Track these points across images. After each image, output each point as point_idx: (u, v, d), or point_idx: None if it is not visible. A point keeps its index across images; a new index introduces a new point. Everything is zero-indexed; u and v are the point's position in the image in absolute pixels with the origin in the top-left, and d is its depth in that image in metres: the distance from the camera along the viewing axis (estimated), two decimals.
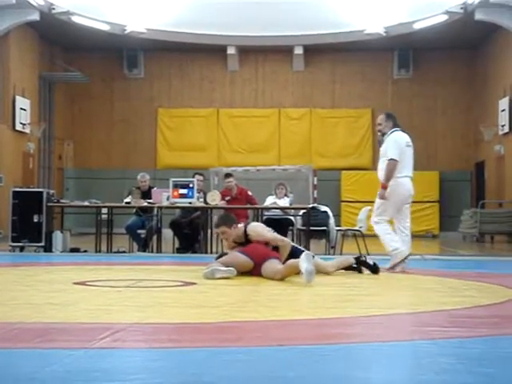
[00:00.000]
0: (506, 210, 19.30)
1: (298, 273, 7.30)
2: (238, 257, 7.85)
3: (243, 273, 7.84)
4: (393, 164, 8.82)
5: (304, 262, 7.13)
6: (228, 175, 13.53)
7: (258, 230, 8.12)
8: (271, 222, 13.06)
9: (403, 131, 9.25)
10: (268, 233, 8.11)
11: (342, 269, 8.45)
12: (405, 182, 9.01)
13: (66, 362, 3.45)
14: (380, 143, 9.19)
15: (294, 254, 7.86)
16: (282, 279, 7.39)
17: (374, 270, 8.33)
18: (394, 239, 8.93)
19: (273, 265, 7.62)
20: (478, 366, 3.45)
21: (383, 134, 9.07)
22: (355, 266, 8.41)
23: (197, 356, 3.66)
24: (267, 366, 3.43)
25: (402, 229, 9.05)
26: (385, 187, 8.91)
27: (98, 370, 3.25)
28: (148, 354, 3.80)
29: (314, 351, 3.81)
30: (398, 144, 8.90)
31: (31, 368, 3.29)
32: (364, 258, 8.44)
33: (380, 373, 3.37)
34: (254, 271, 7.77)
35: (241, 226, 8.22)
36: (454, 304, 5.71)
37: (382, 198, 8.95)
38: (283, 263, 7.66)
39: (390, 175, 8.86)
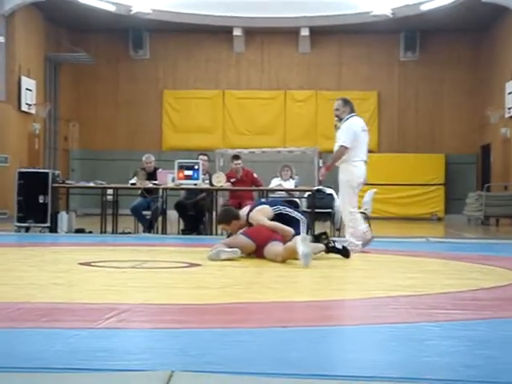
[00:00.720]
0: (511, 193, 19.26)
1: (297, 255, 7.30)
2: (240, 239, 7.90)
3: (248, 254, 7.88)
4: (343, 150, 9.03)
5: (300, 244, 7.14)
6: (236, 157, 13.51)
7: (258, 218, 8.08)
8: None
9: (359, 116, 9.39)
10: (267, 221, 8.05)
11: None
12: (360, 165, 9.19)
13: (70, 341, 3.46)
14: (336, 128, 9.32)
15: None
16: (282, 261, 7.40)
17: (345, 254, 8.06)
18: (359, 236, 9.04)
19: (274, 247, 7.65)
20: (481, 349, 3.45)
21: (340, 120, 9.24)
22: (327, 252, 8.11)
23: (201, 337, 3.67)
24: (271, 347, 3.45)
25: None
26: (327, 169, 9.24)
27: (103, 350, 3.27)
28: (152, 334, 3.82)
29: (317, 332, 3.82)
30: (352, 130, 9.07)
31: (36, 347, 3.31)
32: (332, 244, 8.13)
33: (383, 354, 3.38)
34: (257, 253, 7.80)
35: (244, 212, 8.24)
36: (458, 286, 5.71)
37: (320, 176, 9.35)
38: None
39: (337, 160, 9.17)
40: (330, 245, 8.09)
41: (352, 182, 9.10)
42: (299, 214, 8.47)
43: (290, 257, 7.43)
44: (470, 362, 3.18)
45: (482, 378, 2.88)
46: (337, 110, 9.24)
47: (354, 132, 9.05)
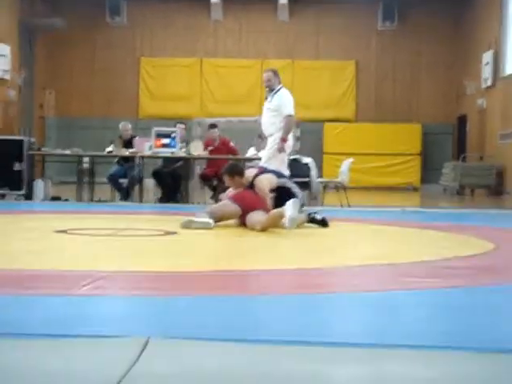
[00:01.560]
0: (486, 164, 19.40)
1: (279, 224, 7.31)
2: (226, 205, 7.88)
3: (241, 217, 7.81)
4: (292, 119, 9.43)
5: (290, 208, 7.16)
6: (213, 126, 13.50)
7: (263, 184, 8.02)
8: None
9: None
10: (268, 194, 7.98)
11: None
12: (291, 137, 9.62)
13: (45, 308, 3.46)
14: (267, 97, 9.55)
15: None
16: (262, 230, 7.39)
17: (324, 224, 8.05)
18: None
19: (255, 215, 7.64)
20: (456, 316, 3.50)
21: (271, 90, 9.47)
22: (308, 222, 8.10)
23: (177, 304, 3.68)
24: (247, 314, 3.46)
25: None
26: (285, 141, 9.37)
27: (78, 317, 3.27)
28: (128, 301, 3.82)
29: (294, 300, 3.85)
30: (292, 100, 9.43)
31: (11, 314, 3.30)
32: (313, 215, 8.13)
33: (358, 322, 3.41)
34: (242, 219, 7.80)
35: (251, 173, 8.19)
36: (433, 255, 5.76)
37: (281, 150, 9.34)
38: None
39: (289, 130, 9.43)
40: (311, 216, 8.11)
41: (284, 154, 9.45)
42: (299, 191, 8.43)
43: (271, 225, 7.42)
44: (446, 328, 3.21)
45: (457, 343, 2.92)
46: (269, 80, 9.48)
47: (292, 102, 9.41)
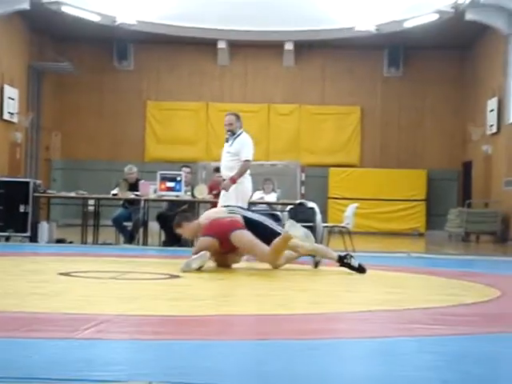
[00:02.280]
0: (491, 210, 19.37)
1: (293, 247, 7.38)
2: (202, 241, 7.90)
3: (223, 253, 7.83)
4: (248, 164, 9.65)
5: (294, 230, 7.25)
6: (218, 169, 13.53)
7: (243, 239, 7.84)
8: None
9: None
10: (253, 241, 7.81)
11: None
12: (250, 179, 9.83)
13: (49, 352, 3.44)
14: (228, 140, 9.74)
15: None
16: (276, 266, 7.38)
17: (361, 270, 8.00)
18: None
19: (254, 242, 7.60)
20: (459, 364, 3.47)
21: (233, 134, 9.69)
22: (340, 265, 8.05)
23: (179, 348, 3.66)
24: (249, 360, 3.44)
25: None
26: (234, 182, 9.53)
27: (81, 361, 3.25)
28: (131, 345, 3.80)
29: (296, 346, 3.82)
30: (252, 145, 9.71)
31: (14, 357, 3.29)
32: (348, 261, 8.03)
33: (361, 368, 3.39)
34: (223, 247, 7.78)
35: (196, 222, 8.26)
36: (437, 302, 5.73)
37: (226, 189, 9.53)
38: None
39: (242, 174, 9.61)
40: (346, 261, 7.98)
41: (244, 194, 9.63)
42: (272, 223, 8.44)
43: (280, 254, 7.42)
44: (448, 377, 3.18)
45: None
46: (231, 124, 9.71)
47: (253, 147, 9.67)
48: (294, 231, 7.41)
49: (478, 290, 6.75)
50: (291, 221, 7.63)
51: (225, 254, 7.94)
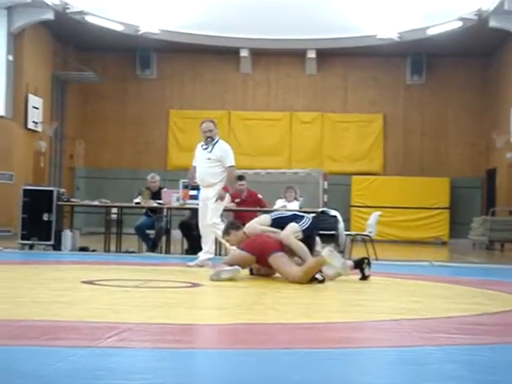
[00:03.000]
0: None
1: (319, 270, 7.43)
2: (238, 254, 7.94)
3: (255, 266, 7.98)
4: (234, 170, 10.01)
5: (333, 259, 7.27)
6: (241, 178, 13.53)
7: (251, 225, 8.32)
8: (280, 225, 13.05)
9: None
10: (258, 226, 8.28)
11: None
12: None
13: (71, 360, 3.45)
14: (206, 147, 9.82)
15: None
16: (302, 282, 7.38)
17: (365, 278, 8.10)
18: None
19: (285, 266, 7.63)
20: (483, 374, 3.43)
21: (212, 140, 9.81)
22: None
23: (202, 357, 3.65)
24: (273, 369, 3.43)
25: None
26: (227, 190, 9.95)
27: (103, 369, 3.25)
28: (153, 354, 3.80)
29: (320, 355, 3.80)
30: (232, 151, 9.90)
31: (37, 365, 3.30)
32: (364, 266, 8.11)
33: (385, 378, 3.36)
34: (261, 262, 7.88)
35: (242, 231, 8.35)
36: (461, 311, 5.69)
37: (222, 198, 9.78)
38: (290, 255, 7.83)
39: (232, 180, 10.04)
40: (363, 266, 8.10)
41: (224, 202, 9.90)
42: (297, 213, 8.73)
43: (311, 274, 7.43)
44: None
45: None
46: (210, 131, 9.81)
47: (232, 153, 9.88)
48: (333, 260, 7.45)
49: (502, 300, 6.69)
50: (330, 248, 7.62)
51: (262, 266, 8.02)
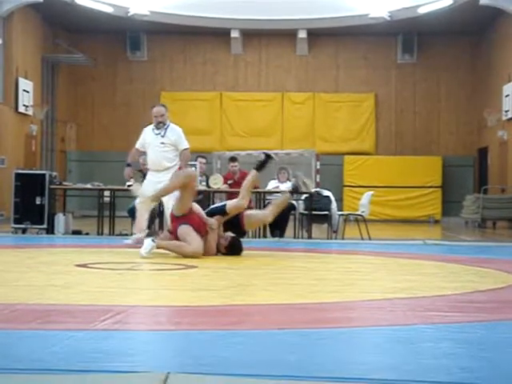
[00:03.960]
0: (508, 196, 19.28)
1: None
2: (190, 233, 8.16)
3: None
4: (189, 152, 10.04)
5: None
6: (233, 159, 13.54)
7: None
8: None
9: None
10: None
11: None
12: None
13: (66, 343, 3.46)
14: (157, 132, 9.89)
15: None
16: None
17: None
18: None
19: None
20: (477, 351, 3.46)
21: (164, 125, 9.95)
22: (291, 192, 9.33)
23: (197, 339, 3.67)
24: (268, 350, 3.44)
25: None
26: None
27: (99, 352, 3.26)
28: (148, 336, 3.82)
29: (315, 335, 3.82)
30: (183, 134, 10.03)
31: (31, 349, 3.31)
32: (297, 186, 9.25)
33: (380, 356, 3.38)
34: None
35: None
36: (454, 289, 5.71)
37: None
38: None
39: (187, 161, 10.07)
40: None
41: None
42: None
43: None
44: (466, 364, 3.18)
45: (478, 380, 2.88)
46: (162, 115, 9.97)
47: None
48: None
49: (494, 277, 6.73)
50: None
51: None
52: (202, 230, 8.14)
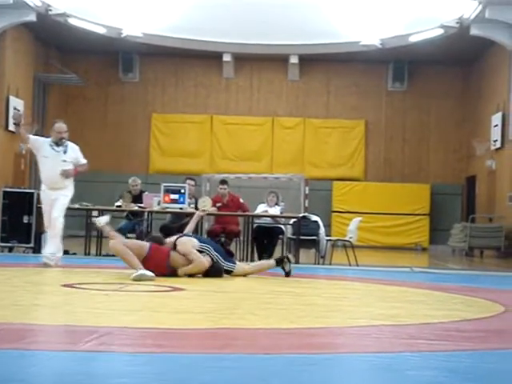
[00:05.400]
0: (495, 225, 19.33)
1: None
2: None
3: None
4: (87, 165, 10.34)
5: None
6: (223, 182, 13.54)
7: (187, 247, 8.64)
8: (261, 230, 13.09)
9: None
10: (194, 250, 8.61)
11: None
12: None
13: (49, 363, 3.44)
14: (57, 149, 9.92)
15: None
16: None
17: (287, 274, 8.94)
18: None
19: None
20: (462, 380, 3.45)
21: (65, 141, 10.05)
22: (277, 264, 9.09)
23: (182, 362, 3.65)
24: (253, 374, 3.43)
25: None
26: (76, 173, 10.20)
27: (82, 373, 3.24)
28: (133, 358, 3.79)
29: (301, 360, 3.81)
30: None
31: (14, 369, 3.28)
32: (285, 264, 9.04)
33: (364, 383, 3.37)
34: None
35: (172, 239, 8.88)
36: (440, 317, 5.71)
37: (68, 176, 9.99)
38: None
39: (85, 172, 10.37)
40: (283, 264, 9.01)
41: (70, 196, 10.11)
42: (225, 262, 8.93)
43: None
44: None
45: None
46: (66, 132, 10.08)
47: None
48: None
49: (481, 306, 6.74)
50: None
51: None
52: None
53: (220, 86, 23.99)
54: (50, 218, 9.79)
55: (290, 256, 9.46)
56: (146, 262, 8.22)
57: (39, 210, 12.73)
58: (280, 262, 9.04)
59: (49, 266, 9.32)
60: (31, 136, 10.24)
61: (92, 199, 15.68)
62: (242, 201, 13.26)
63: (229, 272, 8.75)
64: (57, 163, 9.79)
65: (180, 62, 23.72)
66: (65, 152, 9.91)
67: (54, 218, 9.72)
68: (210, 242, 9.28)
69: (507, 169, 19.11)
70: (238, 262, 9.30)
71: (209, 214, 12.82)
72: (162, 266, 8.36)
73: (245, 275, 8.80)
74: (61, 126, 10.04)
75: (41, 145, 10.00)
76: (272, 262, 9.30)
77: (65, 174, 9.82)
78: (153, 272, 7.98)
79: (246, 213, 12.97)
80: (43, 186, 10.01)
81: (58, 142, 9.90)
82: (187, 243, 8.68)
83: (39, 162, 10.06)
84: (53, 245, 9.71)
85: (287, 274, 8.96)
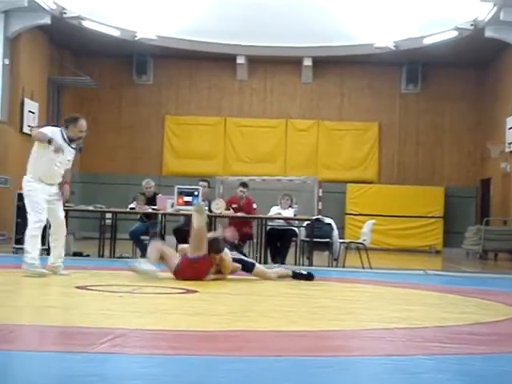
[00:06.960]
0: (510, 228, 19.24)
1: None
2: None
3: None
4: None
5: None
6: (244, 185, 13.55)
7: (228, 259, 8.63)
8: (275, 233, 13.09)
9: None
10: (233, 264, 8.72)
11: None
12: None
13: (64, 365, 3.45)
14: (74, 148, 9.37)
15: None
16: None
17: (309, 277, 8.91)
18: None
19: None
20: (475, 383, 3.44)
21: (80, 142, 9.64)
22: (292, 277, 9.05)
23: (195, 364, 3.66)
24: (265, 376, 3.43)
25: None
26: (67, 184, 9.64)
27: (96, 375, 3.25)
28: (147, 360, 3.80)
29: (313, 363, 3.81)
30: None
31: (30, 370, 3.30)
32: (298, 271, 9.20)
33: None
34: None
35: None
36: (454, 320, 5.70)
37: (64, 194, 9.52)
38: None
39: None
40: (296, 272, 9.08)
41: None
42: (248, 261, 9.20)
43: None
44: None
45: None
46: (86, 130, 9.38)
47: None
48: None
49: (494, 309, 6.71)
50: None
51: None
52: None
53: (233, 88, 24.01)
54: (55, 218, 9.36)
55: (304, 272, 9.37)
56: (178, 274, 8.33)
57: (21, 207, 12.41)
58: (297, 277, 9.00)
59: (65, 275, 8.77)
60: (49, 135, 9.04)
61: (106, 201, 15.76)
62: (255, 206, 13.24)
63: (250, 270, 8.81)
64: (63, 162, 9.20)
65: (194, 65, 23.76)
66: (75, 151, 9.50)
67: (63, 220, 9.46)
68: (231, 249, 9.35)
69: None
70: (257, 264, 9.32)
71: (222, 217, 12.82)
72: (199, 277, 8.33)
73: (264, 278, 8.78)
74: (84, 124, 9.38)
75: (55, 137, 9.13)
76: (290, 272, 9.26)
77: (65, 193, 9.49)
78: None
79: (258, 216, 12.97)
80: (38, 179, 9.21)
81: (76, 140, 9.32)
82: (228, 258, 8.69)
83: (44, 152, 9.11)
84: (62, 248, 9.43)
85: (309, 277, 8.94)
